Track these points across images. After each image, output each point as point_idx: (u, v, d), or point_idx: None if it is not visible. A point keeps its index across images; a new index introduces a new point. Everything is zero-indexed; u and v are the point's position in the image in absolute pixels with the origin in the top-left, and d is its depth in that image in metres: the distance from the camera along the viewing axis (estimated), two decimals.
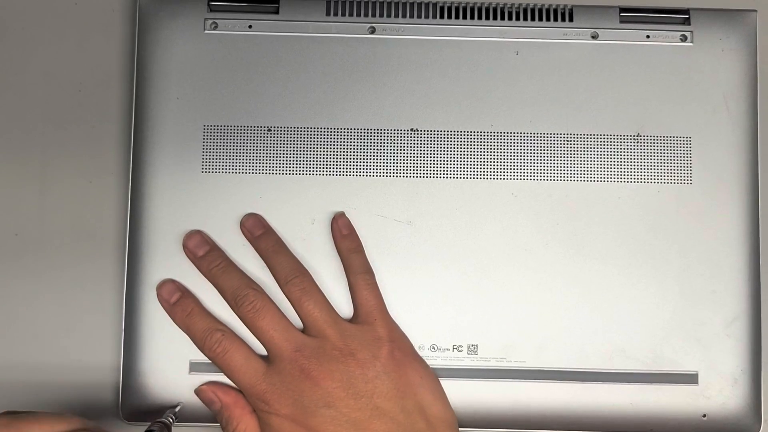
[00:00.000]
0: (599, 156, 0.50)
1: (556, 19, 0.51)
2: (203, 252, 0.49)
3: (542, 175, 0.50)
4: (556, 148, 0.50)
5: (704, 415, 0.49)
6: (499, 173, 0.50)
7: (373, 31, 0.51)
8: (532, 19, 0.51)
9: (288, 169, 0.50)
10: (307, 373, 0.45)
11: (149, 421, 0.48)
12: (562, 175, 0.50)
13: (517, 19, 0.51)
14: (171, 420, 0.47)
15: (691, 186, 0.50)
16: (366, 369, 0.46)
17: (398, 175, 0.50)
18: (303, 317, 0.48)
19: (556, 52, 0.51)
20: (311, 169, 0.50)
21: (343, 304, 0.49)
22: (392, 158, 0.50)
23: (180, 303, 0.48)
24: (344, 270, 0.49)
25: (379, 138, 0.50)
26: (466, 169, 0.50)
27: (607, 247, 0.50)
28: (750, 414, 0.50)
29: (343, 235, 0.49)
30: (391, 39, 0.51)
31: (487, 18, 0.51)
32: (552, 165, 0.50)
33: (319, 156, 0.50)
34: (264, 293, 0.48)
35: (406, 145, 0.50)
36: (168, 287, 0.49)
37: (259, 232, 0.49)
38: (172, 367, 0.49)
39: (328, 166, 0.50)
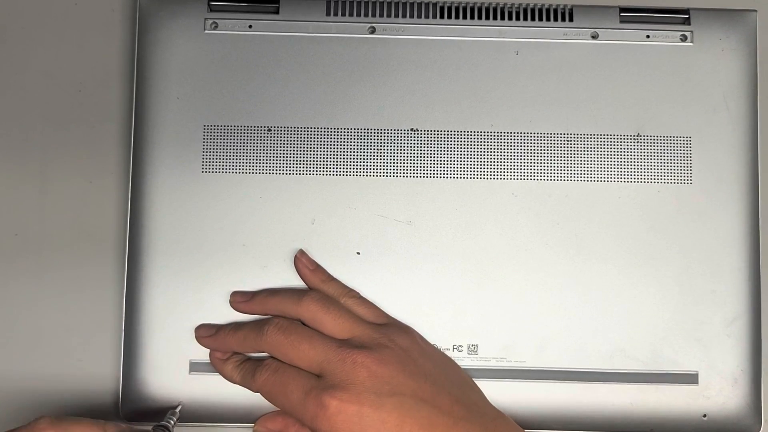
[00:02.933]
0: (599, 156, 0.50)
1: (556, 19, 0.51)
2: (212, 333, 0.49)
3: (542, 175, 0.50)
4: (555, 148, 0.50)
5: (704, 415, 0.49)
6: (498, 173, 0.50)
7: (373, 31, 0.51)
8: (532, 19, 0.51)
9: (288, 169, 0.50)
10: (360, 363, 0.44)
11: (149, 421, 0.48)
12: (562, 175, 0.50)
13: (517, 19, 0.51)
14: (172, 423, 0.46)
15: (691, 186, 0.50)
16: (408, 351, 0.46)
17: (398, 175, 0.50)
18: (330, 325, 0.47)
19: (556, 52, 0.51)
20: (311, 169, 0.50)
21: None
22: (392, 158, 0.50)
23: (230, 360, 0.48)
24: None
25: (379, 138, 0.50)
26: (465, 169, 0.50)
27: (607, 247, 0.50)
28: (750, 414, 0.50)
29: (311, 270, 0.49)
30: (391, 39, 0.51)
31: (487, 18, 0.51)
32: (552, 165, 0.50)
33: (319, 156, 0.50)
34: (283, 318, 0.48)
35: (406, 145, 0.50)
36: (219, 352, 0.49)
37: (246, 297, 0.49)
38: (172, 368, 0.49)
39: (328, 166, 0.50)
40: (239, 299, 0.49)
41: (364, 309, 0.48)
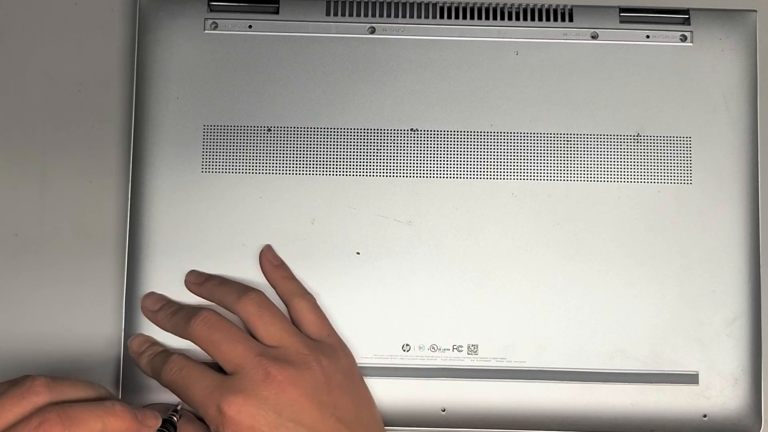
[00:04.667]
0: (599, 156, 0.50)
1: (556, 19, 0.51)
2: (159, 306, 0.48)
3: (542, 175, 0.50)
4: (556, 148, 0.50)
5: (705, 416, 0.49)
6: (499, 173, 0.50)
7: (373, 31, 0.51)
8: (532, 19, 0.51)
9: (288, 169, 0.50)
10: (273, 377, 0.43)
11: None
12: (562, 175, 0.50)
13: (517, 19, 0.51)
14: (176, 419, 0.46)
15: (691, 186, 0.50)
16: (329, 378, 0.45)
17: (398, 175, 0.50)
18: (261, 329, 0.46)
19: (556, 52, 0.51)
20: (311, 169, 0.50)
21: (341, 305, 0.49)
22: (392, 158, 0.50)
23: (149, 349, 0.48)
24: (281, 297, 0.48)
25: (379, 138, 0.50)
26: (466, 169, 0.50)
27: (607, 247, 0.50)
28: (750, 414, 0.50)
29: (274, 266, 0.49)
30: (391, 39, 0.51)
31: (487, 18, 0.51)
32: (552, 165, 0.50)
33: (319, 156, 0.50)
34: (216, 311, 0.46)
35: (406, 145, 0.50)
36: (139, 339, 0.49)
37: (199, 279, 0.49)
38: None
39: (328, 166, 0.50)
40: (192, 280, 0.49)
41: (311, 316, 0.48)
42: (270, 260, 0.49)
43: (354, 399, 0.46)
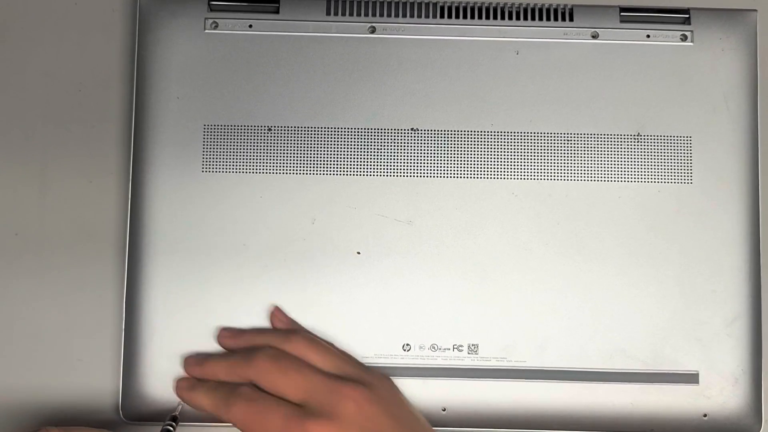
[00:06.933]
0: (599, 156, 0.50)
1: (556, 19, 0.51)
2: (200, 363, 0.48)
3: (542, 174, 0.50)
4: (556, 148, 0.50)
5: (705, 415, 0.49)
6: (498, 173, 0.50)
7: (373, 30, 0.51)
8: (532, 18, 0.51)
9: (288, 169, 0.50)
10: (347, 396, 0.44)
11: (149, 420, 0.48)
12: (562, 174, 0.50)
13: (517, 18, 0.51)
14: (172, 428, 0.46)
15: (691, 186, 0.50)
16: (394, 394, 0.47)
17: (398, 175, 0.50)
18: (318, 361, 0.46)
19: (556, 52, 0.51)
20: (311, 169, 0.50)
21: (341, 305, 0.49)
22: (392, 158, 0.50)
23: (201, 385, 0.48)
24: None
25: (379, 138, 0.50)
26: (466, 169, 0.50)
27: (607, 247, 0.50)
28: (750, 414, 0.50)
29: (284, 323, 0.49)
30: (391, 39, 0.51)
31: (487, 18, 0.51)
32: (552, 165, 0.50)
33: (319, 156, 0.50)
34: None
35: (406, 145, 0.50)
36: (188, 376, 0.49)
37: (233, 333, 0.49)
38: (172, 367, 0.49)
39: (329, 166, 0.50)
40: (227, 335, 0.49)
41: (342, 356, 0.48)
42: (282, 321, 0.49)
43: (413, 411, 0.47)
